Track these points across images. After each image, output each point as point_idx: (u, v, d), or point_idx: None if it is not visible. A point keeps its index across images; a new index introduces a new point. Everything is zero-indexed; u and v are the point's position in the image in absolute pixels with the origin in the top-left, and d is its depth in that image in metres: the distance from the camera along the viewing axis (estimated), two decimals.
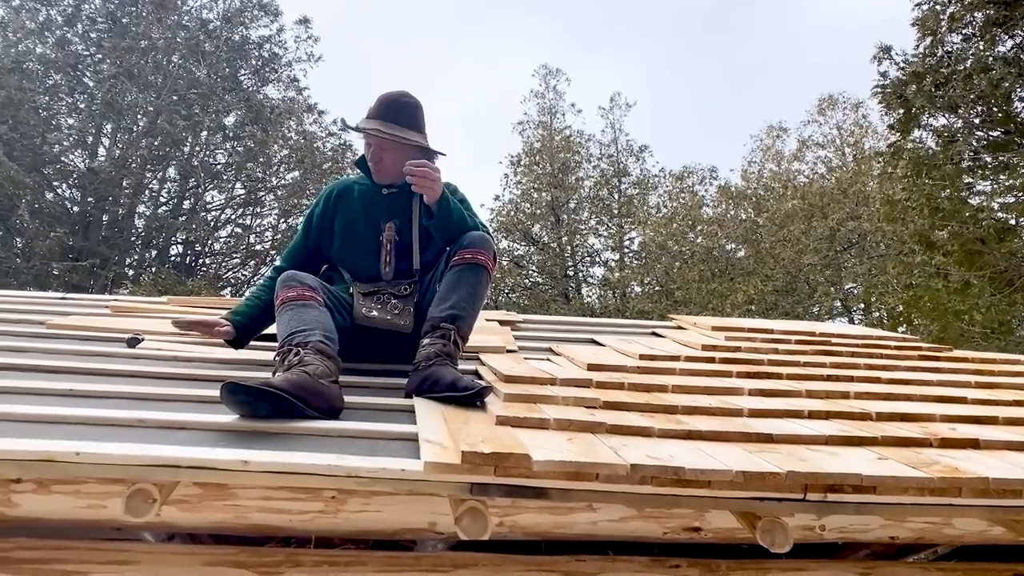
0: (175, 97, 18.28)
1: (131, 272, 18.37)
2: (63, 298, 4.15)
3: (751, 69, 42.26)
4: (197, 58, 18.59)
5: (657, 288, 20.38)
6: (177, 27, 18.98)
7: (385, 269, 2.60)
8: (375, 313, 2.48)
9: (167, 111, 17.64)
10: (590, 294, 22.94)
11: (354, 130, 2.70)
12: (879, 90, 11.65)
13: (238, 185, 20.13)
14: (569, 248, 23.21)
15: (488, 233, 2.60)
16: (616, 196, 23.31)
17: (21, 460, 1.48)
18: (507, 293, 21.49)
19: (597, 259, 23.63)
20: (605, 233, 23.47)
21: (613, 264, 22.92)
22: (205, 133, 18.86)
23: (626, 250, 23.05)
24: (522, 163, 23.44)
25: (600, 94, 44.97)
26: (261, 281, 2.66)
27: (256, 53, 20.67)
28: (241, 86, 20.20)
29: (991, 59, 10.56)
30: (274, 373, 2.05)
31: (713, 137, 41.98)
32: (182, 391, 2.08)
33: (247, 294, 2.67)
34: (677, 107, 42.74)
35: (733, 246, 21.28)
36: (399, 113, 2.64)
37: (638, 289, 21.17)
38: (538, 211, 23.06)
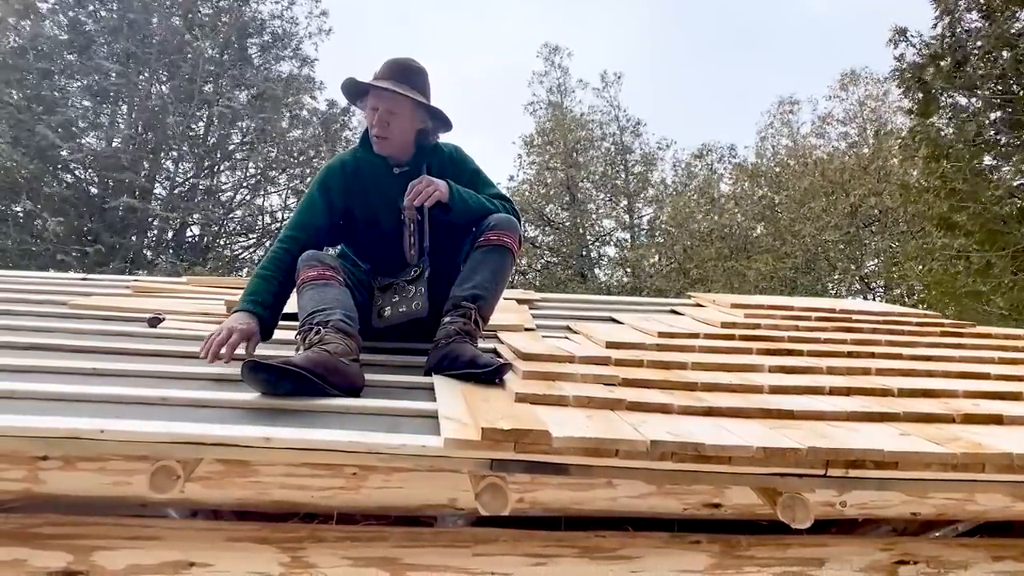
0: (186, 78, 18.25)
1: (148, 254, 18.49)
2: (85, 279, 4.20)
3: (750, 25, 40.89)
4: (208, 37, 18.51)
5: (674, 266, 20.26)
6: (191, 3, 18.89)
7: (411, 252, 2.53)
8: (388, 312, 2.45)
9: (179, 91, 17.63)
10: (605, 273, 22.84)
11: (368, 85, 2.53)
12: (897, 73, 11.46)
13: (251, 165, 20.16)
14: (584, 227, 23.10)
15: (515, 211, 2.57)
16: (623, 175, 23.13)
17: (47, 437, 1.51)
18: (522, 274, 21.44)
19: (610, 239, 23.54)
20: (614, 213, 23.35)
21: (625, 243, 22.81)
22: (217, 113, 18.83)
23: (637, 228, 22.92)
24: (535, 143, 23.27)
25: (594, 50, 43.59)
26: (269, 254, 2.51)
27: (268, 29, 20.55)
28: (252, 64, 20.12)
29: (1015, 36, 10.35)
30: (296, 352, 2.07)
31: (711, 88, 40.87)
32: (204, 369, 2.10)
33: (257, 271, 2.50)
34: (676, 65, 41.58)
35: (750, 223, 21.07)
36: (410, 76, 2.55)
37: (655, 265, 21.05)
38: (552, 191, 22.93)
